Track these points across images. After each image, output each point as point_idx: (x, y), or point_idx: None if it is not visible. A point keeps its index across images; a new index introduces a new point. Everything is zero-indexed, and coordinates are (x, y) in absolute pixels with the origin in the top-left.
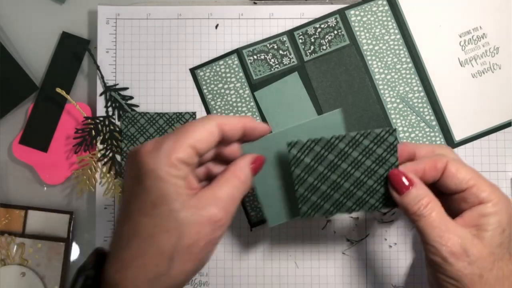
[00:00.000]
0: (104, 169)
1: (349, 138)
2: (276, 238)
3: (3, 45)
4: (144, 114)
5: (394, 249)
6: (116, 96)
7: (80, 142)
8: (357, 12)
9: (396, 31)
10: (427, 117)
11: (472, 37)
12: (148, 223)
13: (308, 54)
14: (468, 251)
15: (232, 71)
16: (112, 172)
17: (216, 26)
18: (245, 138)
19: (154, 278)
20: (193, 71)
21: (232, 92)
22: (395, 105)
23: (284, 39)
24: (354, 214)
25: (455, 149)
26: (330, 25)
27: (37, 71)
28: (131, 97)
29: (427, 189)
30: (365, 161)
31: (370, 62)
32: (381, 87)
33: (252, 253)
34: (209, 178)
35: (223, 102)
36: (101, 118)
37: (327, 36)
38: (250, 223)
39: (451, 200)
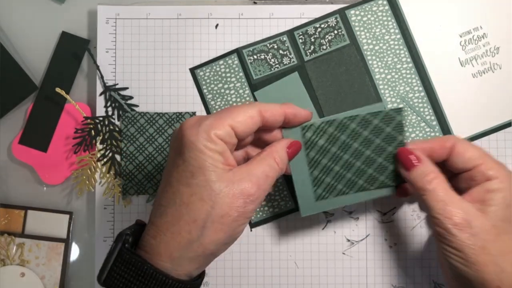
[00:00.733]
0: (104, 169)
1: (360, 118)
2: (276, 238)
3: (3, 45)
4: (144, 114)
5: (394, 249)
6: (116, 96)
7: (79, 142)
8: (357, 12)
9: (397, 31)
10: (428, 117)
11: (473, 37)
12: (185, 191)
13: (308, 54)
14: (471, 222)
15: (232, 71)
16: (111, 172)
17: (216, 26)
18: (287, 125)
19: (186, 244)
20: (193, 71)
21: (232, 92)
22: (395, 105)
23: (284, 39)
24: (354, 214)
25: None
26: (330, 25)
27: (37, 71)
28: (131, 97)
29: (433, 165)
30: (375, 140)
31: (370, 62)
32: (381, 87)
33: (252, 253)
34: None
35: (223, 102)
36: (101, 118)
37: (327, 36)
38: (250, 223)
39: (460, 179)
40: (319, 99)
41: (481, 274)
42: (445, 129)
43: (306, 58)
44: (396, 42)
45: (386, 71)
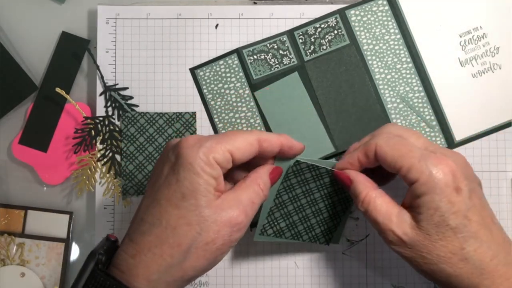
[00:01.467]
0: (104, 169)
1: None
2: None
3: (2, 45)
4: (144, 114)
5: None
6: (116, 96)
7: (79, 142)
8: (357, 12)
9: (396, 31)
10: (427, 117)
11: (472, 37)
12: (173, 213)
13: (308, 54)
14: (404, 238)
15: (232, 71)
16: (111, 172)
17: (216, 26)
18: (281, 155)
19: (166, 268)
20: (193, 71)
21: (232, 92)
22: (395, 105)
23: (284, 39)
24: (354, 214)
25: (455, 149)
26: (330, 25)
27: (37, 71)
28: (131, 97)
29: (364, 182)
30: (334, 197)
31: (370, 62)
32: (381, 87)
33: (252, 253)
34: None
35: (223, 102)
36: (101, 118)
37: (327, 36)
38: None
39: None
40: (319, 99)
41: (434, 280)
42: (445, 129)
43: (306, 58)
44: (396, 42)
45: (386, 71)
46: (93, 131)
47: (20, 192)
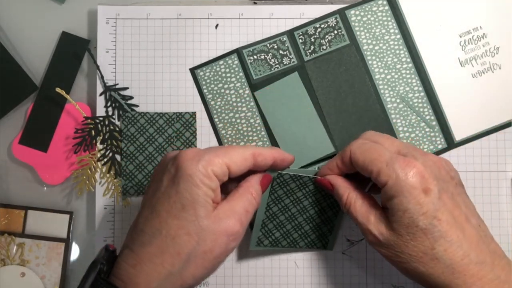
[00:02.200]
0: (104, 169)
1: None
2: None
3: (3, 45)
4: (144, 114)
5: None
6: (116, 96)
7: (79, 142)
8: (357, 12)
9: (396, 31)
10: (427, 117)
11: (472, 37)
12: (173, 224)
13: (308, 54)
14: (381, 236)
15: (232, 71)
16: (112, 172)
17: (216, 26)
18: (274, 168)
19: (166, 276)
20: (193, 71)
21: (232, 92)
22: (395, 105)
23: (284, 39)
24: None
25: (455, 149)
26: (330, 25)
27: (37, 71)
28: (131, 97)
29: (343, 184)
30: (322, 203)
31: (370, 62)
32: (381, 87)
33: (252, 253)
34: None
35: (223, 102)
36: (101, 118)
37: (327, 36)
38: (250, 223)
39: None
40: (319, 99)
41: (411, 277)
42: (445, 129)
43: (306, 58)
44: (396, 42)
45: (386, 71)
46: (93, 131)
47: (20, 192)
